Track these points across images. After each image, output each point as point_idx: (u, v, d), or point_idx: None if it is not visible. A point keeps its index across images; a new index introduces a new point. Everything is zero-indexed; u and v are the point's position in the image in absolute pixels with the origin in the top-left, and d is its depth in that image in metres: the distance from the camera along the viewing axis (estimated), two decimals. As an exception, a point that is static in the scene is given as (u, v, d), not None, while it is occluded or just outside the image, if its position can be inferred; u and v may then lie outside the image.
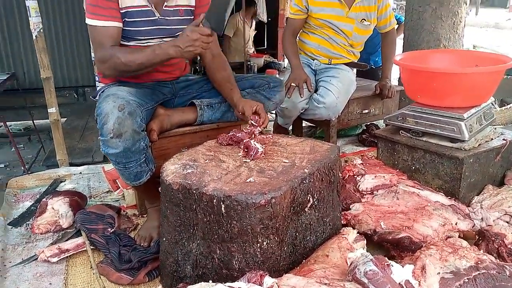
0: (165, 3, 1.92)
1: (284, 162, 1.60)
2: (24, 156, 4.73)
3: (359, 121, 3.06)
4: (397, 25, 4.22)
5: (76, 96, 5.48)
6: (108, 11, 1.81)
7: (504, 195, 1.99)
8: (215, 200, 1.38)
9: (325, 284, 1.20)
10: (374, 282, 1.22)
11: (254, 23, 6.18)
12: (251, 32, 6.07)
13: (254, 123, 1.84)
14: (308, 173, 1.50)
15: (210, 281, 1.29)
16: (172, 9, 1.96)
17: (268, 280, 1.24)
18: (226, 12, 2.04)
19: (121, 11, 1.84)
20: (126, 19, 1.86)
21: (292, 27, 2.91)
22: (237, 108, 1.93)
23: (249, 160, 1.62)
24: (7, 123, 4.34)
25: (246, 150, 1.67)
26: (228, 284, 1.24)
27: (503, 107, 4.14)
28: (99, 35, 1.82)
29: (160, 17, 1.93)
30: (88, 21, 1.82)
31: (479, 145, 2.09)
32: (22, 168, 4.08)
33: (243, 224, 1.37)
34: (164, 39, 1.98)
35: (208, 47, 1.74)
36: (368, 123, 3.22)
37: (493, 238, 1.70)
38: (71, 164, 3.12)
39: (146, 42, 1.95)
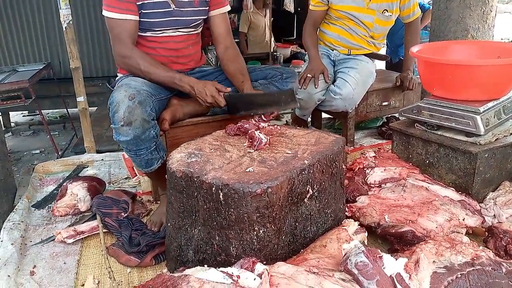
0: None
1: (287, 153, 1.62)
2: (59, 143, 4.96)
3: (379, 113, 3.01)
4: (422, 13, 4.09)
5: (108, 85, 5.62)
6: (124, 4, 1.87)
7: (520, 192, 1.93)
8: (214, 188, 1.42)
9: (314, 273, 1.23)
10: (364, 274, 1.23)
11: (268, 11, 5.82)
12: (266, 21, 5.81)
13: (264, 118, 1.87)
14: (308, 164, 1.51)
15: (205, 266, 1.34)
16: (187, 0, 2.00)
17: (259, 267, 1.27)
18: None
19: (137, 3, 1.89)
20: (142, 11, 1.92)
21: (312, 19, 2.90)
22: None
23: (253, 150, 1.65)
24: (44, 111, 4.55)
25: (250, 140, 1.70)
26: (221, 269, 1.28)
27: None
28: (116, 28, 1.89)
29: (175, 8, 1.97)
30: (105, 12, 1.89)
31: (496, 139, 2.02)
32: (56, 154, 4.27)
33: (240, 212, 1.41)
34: (179, 30, 2.03)
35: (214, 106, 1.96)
36: (389, 116, 3.16)
37: (501, 235, 1.65)
38: (98, 151, 3.23)
39: (162, 33, 2.01)
